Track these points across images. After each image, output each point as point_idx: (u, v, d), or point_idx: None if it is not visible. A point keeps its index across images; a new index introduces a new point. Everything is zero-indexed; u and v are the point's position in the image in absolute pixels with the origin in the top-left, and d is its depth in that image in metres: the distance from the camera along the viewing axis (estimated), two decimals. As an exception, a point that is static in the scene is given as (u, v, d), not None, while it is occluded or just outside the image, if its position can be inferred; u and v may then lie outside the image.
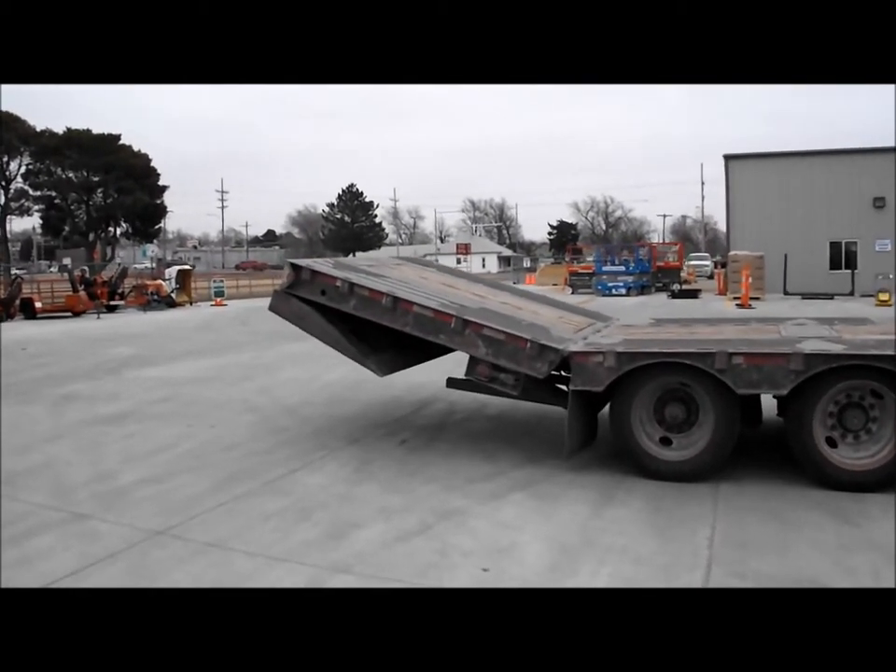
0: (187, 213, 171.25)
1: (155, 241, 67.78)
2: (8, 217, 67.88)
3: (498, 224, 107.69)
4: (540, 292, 11.37)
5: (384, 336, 6.64)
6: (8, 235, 70.40)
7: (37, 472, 6.10)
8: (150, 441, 7.11)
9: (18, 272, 36.06)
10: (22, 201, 66.66)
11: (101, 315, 23.89)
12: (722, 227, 58.92)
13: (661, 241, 75.97)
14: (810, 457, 5.23)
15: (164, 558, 4.30)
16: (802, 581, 3.82)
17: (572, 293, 32.27)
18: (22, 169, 65.59)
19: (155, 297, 26.57)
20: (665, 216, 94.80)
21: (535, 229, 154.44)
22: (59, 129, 64.49)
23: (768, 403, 5.99)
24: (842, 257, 31.70)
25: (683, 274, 37.56)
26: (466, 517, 4.87)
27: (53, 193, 66.45)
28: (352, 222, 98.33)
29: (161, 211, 71.83)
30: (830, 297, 27.27)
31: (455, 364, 7.27)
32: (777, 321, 7.44)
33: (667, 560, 4.13)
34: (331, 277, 6.35)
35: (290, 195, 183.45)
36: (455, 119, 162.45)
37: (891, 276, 24.65)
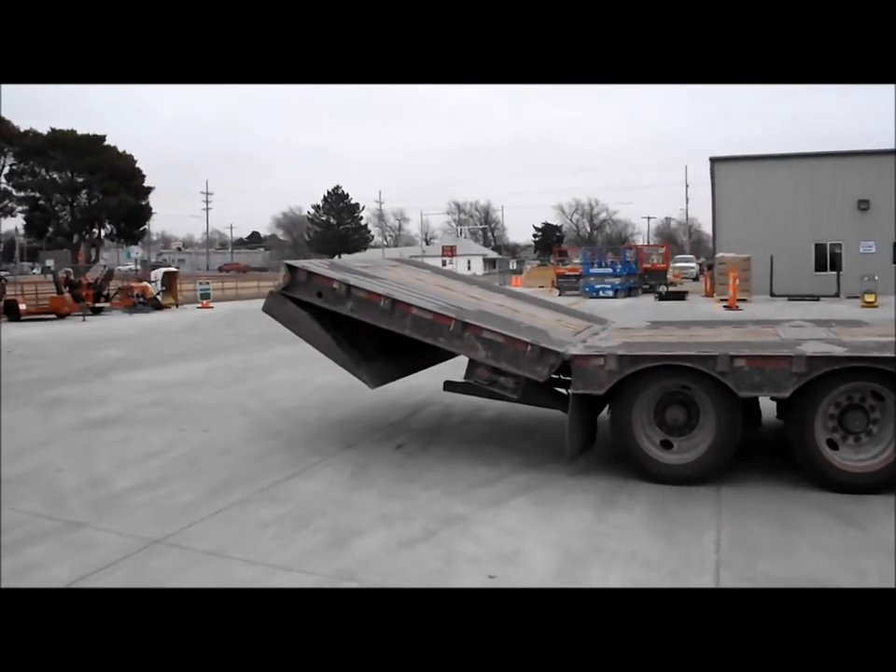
0: (171, 214, 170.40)
1: (139, 242, 67.21)
2: (-9, 218, 67.35)
3: (483, 226, 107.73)
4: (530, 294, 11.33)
5: (376, 343, 6.56)
6: (-9, 237, 69.83)
7: (28, 479, 5.96)
8: (142, 445, 6.98)
9: (2, 273, 35.64)
10: (6, 202, 65.83)
11: (86, 318, 23.62)
12: (707, 228, 59.58)
13: (646, 243, 76.39)
14: (812, 460, 5.22)
15: (163, 567, 4.20)
16: (813, 584, 3.79)
17: (559, 295, 32.42)
18: (6, 170, 64.94)
19: (141, 299, 26.29)
20: (649, 218, 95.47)
21: (520, 231, 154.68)
22: (43, 129, 64.09)
23: (767, 405, 5.98)
24: (827, 258, 32.03)
25: (669, 276, 37.80)
26: (468, 523, 4.80)
27: (37, 194, 65.70)
28: (337, 224, 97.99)
29: (147, 212, 71.13)
30: (816, 298, 27.55)
31: (449, 367, 7.21)
32: (774, 323, 7.44)
33: (676, 564, 4.09)
34: (328, 279, 6.25)
35: (275, 197, 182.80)
36: (440, 121, 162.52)
37: (876, 278, 24.88)
